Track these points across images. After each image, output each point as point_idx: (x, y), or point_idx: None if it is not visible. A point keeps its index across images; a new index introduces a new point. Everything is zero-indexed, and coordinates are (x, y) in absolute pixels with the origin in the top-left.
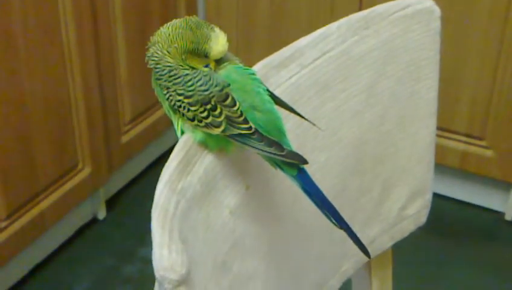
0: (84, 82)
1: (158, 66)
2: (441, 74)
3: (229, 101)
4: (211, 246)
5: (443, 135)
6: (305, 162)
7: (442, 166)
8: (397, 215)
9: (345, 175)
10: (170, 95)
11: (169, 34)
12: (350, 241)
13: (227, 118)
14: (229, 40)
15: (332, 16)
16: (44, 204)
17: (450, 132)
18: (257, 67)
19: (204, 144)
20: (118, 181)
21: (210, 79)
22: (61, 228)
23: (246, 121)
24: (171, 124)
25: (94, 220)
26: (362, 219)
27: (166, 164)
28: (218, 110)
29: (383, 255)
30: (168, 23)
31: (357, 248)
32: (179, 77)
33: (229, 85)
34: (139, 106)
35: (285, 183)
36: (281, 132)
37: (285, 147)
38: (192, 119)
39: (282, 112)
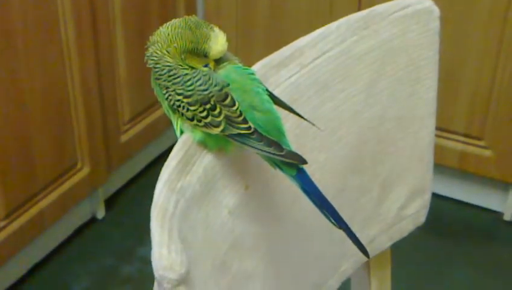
0: (83, 81)
1: (157, 65)
2: (440, 74)
3: (228, 100)
4: (210, 245)
5: (442, 135)
6: (305, 162)
7: (441, 166)
8: (396, 215)
9: (344, 175)
10: (169, 95)
11: (168, 34)
12: (349, 241)
13: (226, 117)
14: (228, 39)
15: (332, 16)
16: (43, 203)
17: (449, 132)
18: (256, 67)
19: (203, 144)
20: (117, 181)
21: (209, 79)
22: (60, 227)
23: (245, 121)
24: (170, 123)
25: (93, 220)
26: (361, 219)
27: (166, 164)
28: (218, 109)
29: (382, 255)
30: (168, 23)
31: (356, 248)
32: (178, 77)
33: (228, 85)
34: (138, 105)
35: (285, 183)
36: (280, 132)
37: (284, 147)
38: (192, 119)
39: (281, 112)
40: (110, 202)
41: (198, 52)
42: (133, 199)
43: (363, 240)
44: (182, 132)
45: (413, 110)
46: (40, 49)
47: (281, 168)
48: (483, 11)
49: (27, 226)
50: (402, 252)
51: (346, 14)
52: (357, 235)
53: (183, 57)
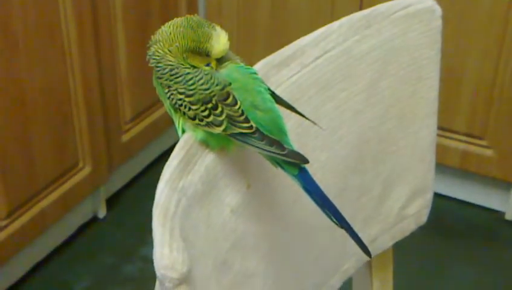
0: (85, 81)
1: (159, 64)
2: (442, 73)
3: (230, 100)
4: (211, 244)
5: (443, 135)
6: (306, 161)
7: (443, 165)
8: (398, 214)
9: (346, 174)
10: (171, 94)
11: (170, 33)
12: (351, 241)
13: (228, 117)
14: (229, 39)
15: (333, 15)
16: (45, 203)
17: (451, 131)
18: (258, 66)
19: (205, 143)
20: (119, 180)
21: (211, 78)
22: (61, 226)
23: (247, 120)
24: (172, 122)
25: (94, 219)
26: (363, 218)
27: (167, 163)
28: (219, 109)
29: (384, 254)
30: (169, 22)
31: (357, 247)
32: (180, 76)
33: (230, 84)
34: (139, 104)
35: (286, 183)
36: (282, 131)
37: (286, 146)
38: (193, 118)
39: (283, 111)
40: (111, 202)
41: (200, 51)
42: (134, 198)
43: (365, 240)
44: (183, 131)
45: (414, 110)
46: (41, 48)
47: (282, 167)
48: (485, 10)
49: (28, 225)
50: (404, 251)
51: (348, 14)
52: (359, 234)
53: (185, 56)
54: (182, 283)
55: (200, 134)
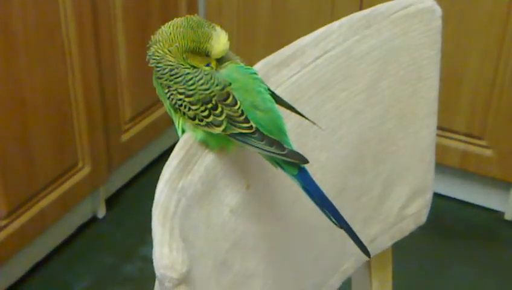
0: (84, 81)
1: (159, 65)
2: (442, 73)
3: (230, 100)
4: (211, 244)
5: (443, 135)
6: (306, 161)
7: (442, 165)
8: (397, 214)
9: (346, 174)
10: (171, 94)
11: (170, 33)
12: (350, 241)
13: (228, 117)
14: (229, 39)
15: (333, 15)
16: (44, 203)
17: (450, 131)
18: (258, 66)
19: (205, 143)
20: (118, 180)
21: (211, 78)
22: (61, 226)
23: (246, 120)
24: (172, 122)
25: (94, 219)
26: (362, 218)
27: (167, 163)
28: (219, 109)
29: (383, 254)
30: (169, 22)
31: (357, 247)
32: (180, 76)
33: (230, 84)
34: (139, 104)
35: (286, 183)
36: (282, 131)
37: (286, 146)
38: (193, 118)
39: (283, 111)
40: (111, 201)
41: (200, 52)
42: (134, 198)
43: (364, 240)
44: (183, 131)
45: (414, 110)
46: (41, 48)
47: (282, 168)
48: (485, 10)
49: (28, 225)
50: (403, 251)
51: (348, 14)
52: (358, 234)
53: (185, 56)
54: (182, 282)
55: (199, 134)
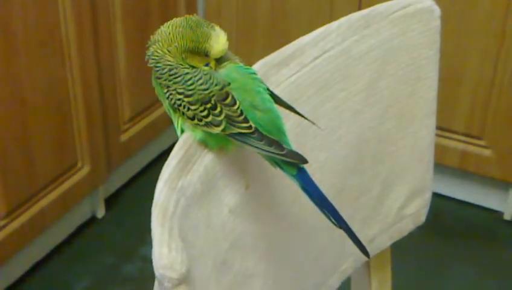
0: (84, 81)
1: (158, 64)
2: (441, 73)
3: (229, 100)
4: (211, 244)
5: (442, 135)
6: (305, 161)
7: (441, 165)
8: (396, 214)
9: (345, 174)
10: (170, 94)
11: (169, 33)
12: (349, 241)
13: (227, 117)
14: (228, 39)
15: (332, 15)
16: (44, 202)
17: (449, 131)
18: (257, 66)
19: (204, 143)
20: (117, 180)
21: (210, 78)
22: (60, 226)
23: (246, 120)
24: (171, 122)
25: (93, 219)
26: (361, 218)
27: (166, 163)
28: (218, 109)
29: (382, 254)
30: (168, 22)
31: (356, 247)
32: (179, 76)
33: (229, 84)
34: (138, 104)
35: (285, 183)
36: (281, 131)
37: (285, 146)
38: (192, 118)
39: (282, 111)
40: (110, 201)
41: (199, 51)
42: (133, 198)
43: (363, 240)
44: (182, 131)
45: (413, 110)
46: (40, 48)
47: (281, 168)
48: (484, 10)
49: (27, 225)
50: (402, 251)
51: (347, 13)
52: (357, 234)
53: (184, 56)
54: (181, 282)
55: (199, 134)
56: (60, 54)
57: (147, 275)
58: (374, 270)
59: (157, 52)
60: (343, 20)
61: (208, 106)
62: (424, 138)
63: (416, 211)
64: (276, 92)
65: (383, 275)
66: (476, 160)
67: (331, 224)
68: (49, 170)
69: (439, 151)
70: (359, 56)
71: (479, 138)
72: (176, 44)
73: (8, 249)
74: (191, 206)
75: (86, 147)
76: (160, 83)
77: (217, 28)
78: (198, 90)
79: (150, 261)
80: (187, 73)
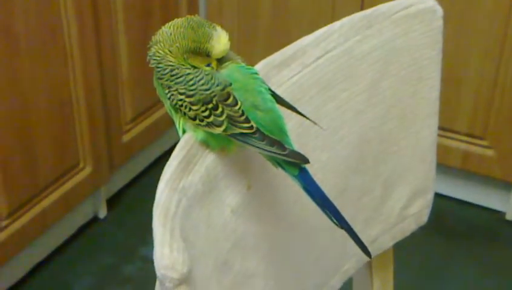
0: (86, 81)
1: (160, 65)
2: (443, 73)
3: (230, 100)
4: (212, 245)
5: (445, 135)
6: (307, 161)
7: (444, 166)
8: (399, 214)
9: (347, 174)
10: (172, 94)
11: (170, 34)
12: (351, 241)
13: (228, 117)
14: (230, 39)
15: (334, 15)
16: (46, 203)
17: (452, 131)
18: (259, 67)
19: (205, 143)
20: (119, 180)
21: (212, 78)
22: (62, 226)
23: (247, 120)
24: (173, 123)
25: (95, 219)
26: (363, 219)
27: (168, 163)
28: (220, 109)
29: (384, 254)
30: (170, 23)
31: (358, 248)
32: (180, 76)
33: (230, 84)
34: (140, 105)
35: (287, 183)
36: (283, 131)
37: (286, 146)
38: (194, 119)
39: (283, 111)
40: (112, 202)
41: (200, 52)
42: (135, 198)
43: (365, 240)
44: (184, 132)
45: (415, 110)
46: (42, 49)
47: (283, 168)
48: (486, 10)
49: (29, 225)
50: (404, 251)
51: (349, 14)
52: (359, 235)
53: (185, 56)
54: (182, 283)
55: (200, 134)
56: (62, 54)
57: (148, 275)
58: (376, 270)
59: (158, 52)
60: (345, 20)
61: (210, 106)
62: (426, 138)
63: (419, 212)
64: (278, 92)
65: (385, 275)
66: (478, 160)
67: (333, 224)
68: (51, 170)
69: (442, 151)
70: (361, 56)
71: (481, 138)
72: (178, 44)
73: (9, 249)
74: (193, 206)
75: (88, 148)
76: (161, 84)
77: (219, 28)
78: (200, 90)
79: (151, 262)
80: (189, 73)
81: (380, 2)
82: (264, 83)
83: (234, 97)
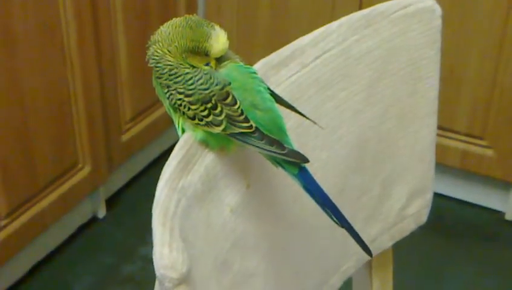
0: (85, 81)
1: (159, 65)
2: (442, 73)
3: (229, 99)
4: (211, 244)
5: (443, 134)
6: (307, 160)
7: (443, 165)
8: (398, 214)
9: (346, 174)
10: (171, 94)
11: (169, 33)
12: (351, 240)
13: (227, 116)
14: (229, 38)
15: (333, 15)
16: (44, 203)
17: (451, 131)
18: (257, 66)
19: (205, 143)
20: (118, 180)
21: (210, 77)
22: (61, 226)
23: (246, 120)
24: (172, 122)
25: (94, 219)
26: (363, 218)
27: (167, 163)
28: (219, 108)
29: (384, 254)
30: (168, 22)
31: (358, 247)
32: (179, 76)
33: (229, 84)
34: (139, 104)
35: (286, 182)
36: (282, 131)
37: (286, 145)
38: (193, 118)
39: (283, 111)
40: (111, 201)
41: (199, 51)
42: (134, 198)
43: (365, 240)
44: (183, 131)
45: (414, 110)
46: (41, 49)
47: (283, 167)
48: (485, 9)
49: (28, 225)
50: (404, 251)
51: (348, 13)
52: (359, 234)
53: (184, 56)
54: (182, 282)
55: (199, 134)
56: (60, 54)
57: (148, 275)
58: (376, 270)
59: (157, 52)
60: (343, 19)
61: (209, 105)
62: (425, 138)
63: (418, 211)
64: (277, 91)
65: (385, 275)
66: (477, 160)
67: (333, 223)
68: (49, 170)
69: (441, 151)
70: (360, 56)
71: (480, 138)
72: (176, 44)
73: (8, 249)
74: (192, 206)
75: (87, 147)
76: (160, 83)
77: (217, 27)
78: (199, 89)
79: (151, 261)
80: (187, 73)
81: (378, 2)
82: (263, 82)
83: (233, 96)
